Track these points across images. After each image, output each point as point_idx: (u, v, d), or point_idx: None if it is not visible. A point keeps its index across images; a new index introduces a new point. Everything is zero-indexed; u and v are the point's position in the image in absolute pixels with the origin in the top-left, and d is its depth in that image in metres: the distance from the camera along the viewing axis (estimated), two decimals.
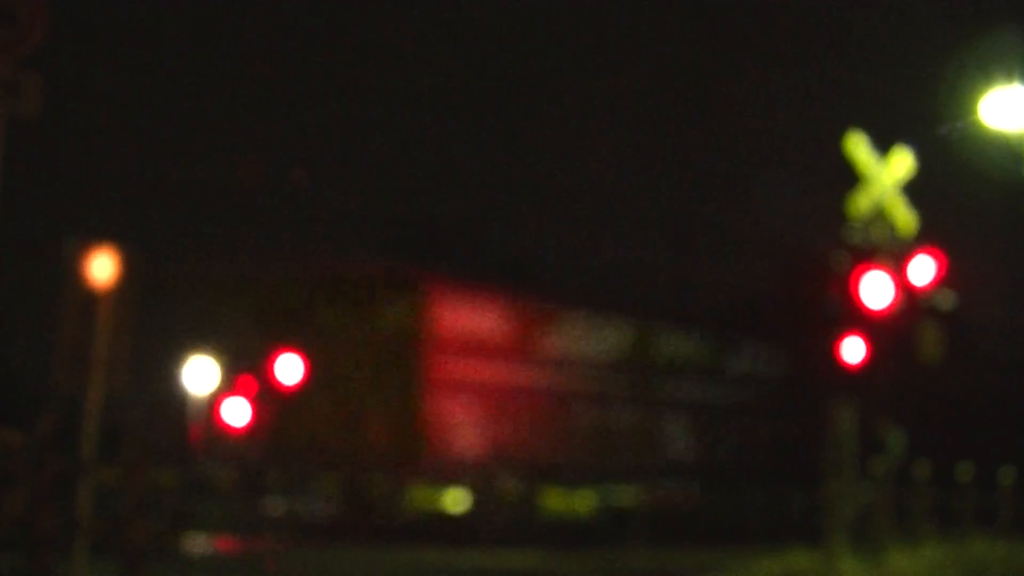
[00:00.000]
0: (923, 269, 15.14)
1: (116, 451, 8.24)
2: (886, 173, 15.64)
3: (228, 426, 35.12)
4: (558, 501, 22.89)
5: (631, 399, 24.57)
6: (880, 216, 15.55)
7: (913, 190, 16.33)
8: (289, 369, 34.30)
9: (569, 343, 23.26)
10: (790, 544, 12.68)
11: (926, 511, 13.79)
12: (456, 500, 21.21)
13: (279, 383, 33.87)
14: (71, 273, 8.73)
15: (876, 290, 14.72)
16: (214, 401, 41.80)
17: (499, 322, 21.88)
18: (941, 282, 15.37)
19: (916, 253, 15.33)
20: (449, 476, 21.13)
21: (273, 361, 33.35)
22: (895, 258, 15.35)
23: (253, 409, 33.51)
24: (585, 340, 23.61)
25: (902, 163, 15.92)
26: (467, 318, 21.25)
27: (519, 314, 22.38)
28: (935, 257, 15.21)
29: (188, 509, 20.61)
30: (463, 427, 21.04)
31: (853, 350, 14.82)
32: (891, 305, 14.87)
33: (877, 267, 15.02)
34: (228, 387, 40.33)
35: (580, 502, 22.97)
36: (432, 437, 20.51)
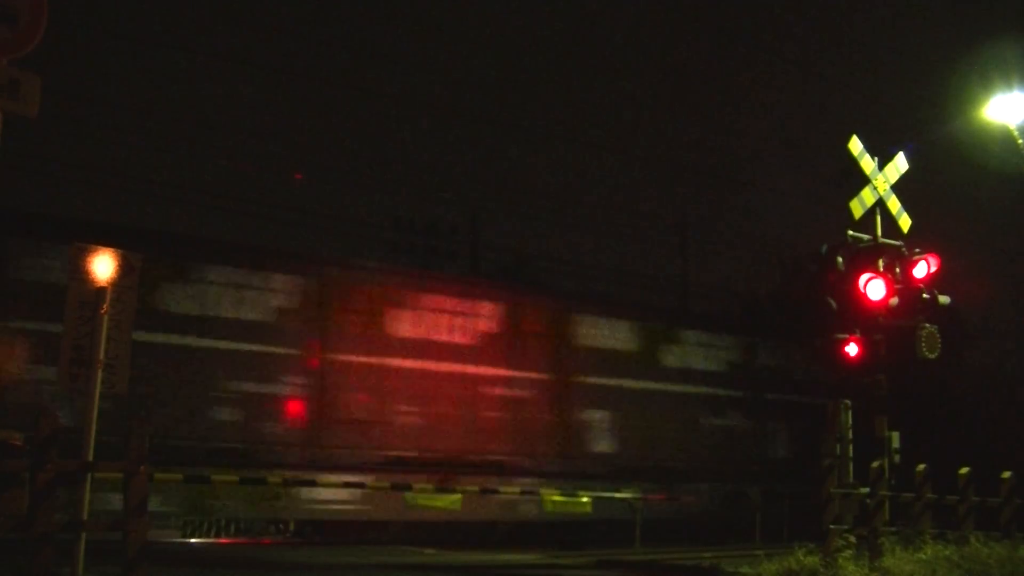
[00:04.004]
0: (921, 269, 15.15)
1: (116, 451, 8.24)
2: (885, 173, 15.65)
3: None
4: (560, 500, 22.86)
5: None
6: (879, 216, 15.57)
7: (912, 190, 16.36)
8: None
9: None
10: (790, 544, 12.68)
11: (925, 511, 13.78)
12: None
13: None
14: (72, 274, 8.74)
15: (875, 290, 14.72)
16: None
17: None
18: (939, 282, 15.38)
19: (914, 253, 15.34)
20: None
21: None
22: (894, 258, 15.36)
23: None
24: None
25: (901, 164, 15.93)
26: None
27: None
28: (933, 257, 15.21)
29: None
30: None
31: (852, 350, 14.82)
32: (890, 305, 14.87)
33: (876, 267, 15.02)
34: None
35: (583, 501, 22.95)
36: None
